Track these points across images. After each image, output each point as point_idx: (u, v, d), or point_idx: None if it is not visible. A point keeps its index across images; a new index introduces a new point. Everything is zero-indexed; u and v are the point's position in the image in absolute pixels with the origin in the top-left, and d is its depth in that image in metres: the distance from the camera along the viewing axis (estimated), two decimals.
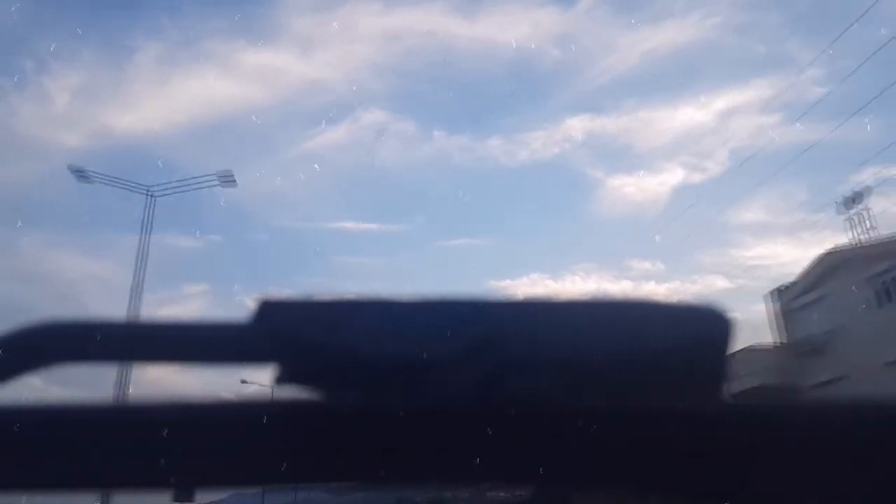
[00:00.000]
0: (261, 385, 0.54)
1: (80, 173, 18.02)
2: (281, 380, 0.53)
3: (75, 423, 0.50)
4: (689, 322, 0.56)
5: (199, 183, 18.91)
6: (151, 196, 18.15)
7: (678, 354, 0.54)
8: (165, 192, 18.83)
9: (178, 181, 19.23)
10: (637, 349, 0.53)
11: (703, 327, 0.56)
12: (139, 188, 18.62)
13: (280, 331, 0.53)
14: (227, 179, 18.19)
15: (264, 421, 0.50)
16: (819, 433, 0.50)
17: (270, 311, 0.53)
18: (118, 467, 0.49)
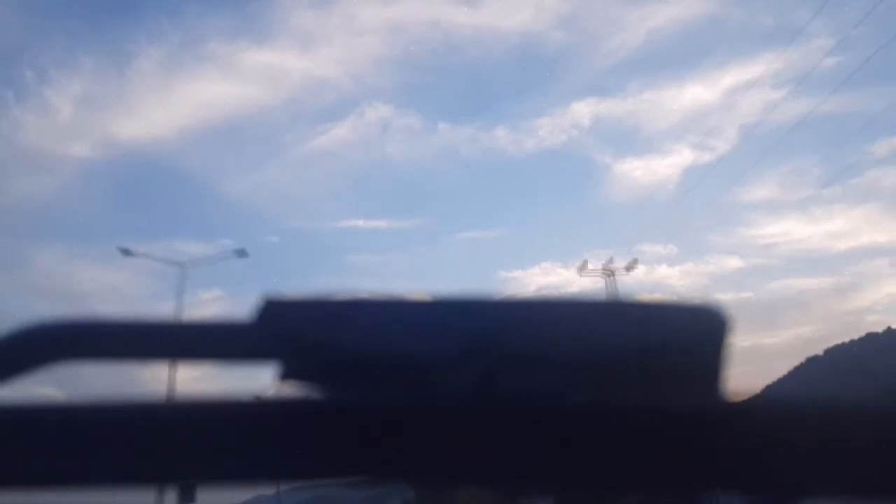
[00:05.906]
0: (269, 384, 0.56)
1: (125, 251, 20.32)
2: (283, 378, 0.53)
3: (83, 422, 0.50)
4: (686, 321, 0.56)
5: (220, 257, 21.58)
6: (183, 269, 20.37)
7: (676, 353, 0.54)
8: (196, 265, 20.92)
9: (202, 257, 21.81)
10: (635, 348, 0.54)
11: (701, 326, 0.56)
12: (172, 264, 20.54)
13: (283, 329, 0.53)
14: (241, 254, 21.17)
15: (270, 419, 0.50)
16: (818, 433, 0.50)
17: (273, 309, 0.53)
18: (124, 465, 0.49)
